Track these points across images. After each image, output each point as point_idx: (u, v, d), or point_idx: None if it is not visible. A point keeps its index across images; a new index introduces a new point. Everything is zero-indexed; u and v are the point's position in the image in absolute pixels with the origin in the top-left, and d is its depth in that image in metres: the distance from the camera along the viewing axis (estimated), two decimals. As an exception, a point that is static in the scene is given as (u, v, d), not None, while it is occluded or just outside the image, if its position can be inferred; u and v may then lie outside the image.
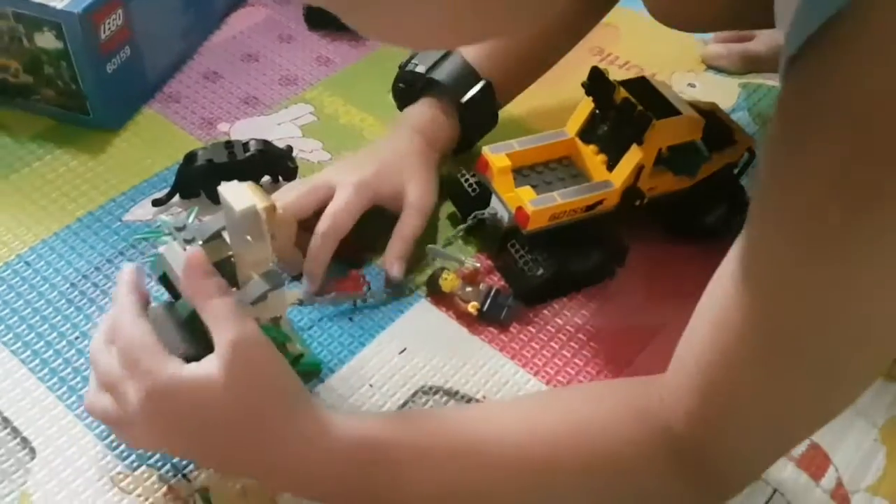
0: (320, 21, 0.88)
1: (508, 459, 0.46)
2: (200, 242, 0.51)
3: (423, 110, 0.69)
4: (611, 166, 0.63)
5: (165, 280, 0.52)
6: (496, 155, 0.63)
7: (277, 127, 0.77)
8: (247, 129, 0.76)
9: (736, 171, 0.69)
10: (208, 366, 0.45)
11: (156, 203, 0.67)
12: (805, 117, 0.38)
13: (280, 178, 0.69)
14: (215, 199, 0.68)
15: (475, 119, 0.70)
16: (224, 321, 0.45)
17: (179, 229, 0.52)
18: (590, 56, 0.88)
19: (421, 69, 0.69)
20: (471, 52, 0.70)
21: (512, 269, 0.63)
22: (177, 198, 0.68)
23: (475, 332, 0.61)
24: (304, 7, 0.89)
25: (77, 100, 0.72)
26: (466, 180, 0.68)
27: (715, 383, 0.44)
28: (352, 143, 0.76)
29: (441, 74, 0.68)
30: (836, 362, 0.41)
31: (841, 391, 0.44)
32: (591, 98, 0.64)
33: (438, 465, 0.46)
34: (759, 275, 0.41)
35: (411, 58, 0.71)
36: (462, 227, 0.64)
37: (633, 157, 0.61)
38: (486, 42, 0.68)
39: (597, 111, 0.64)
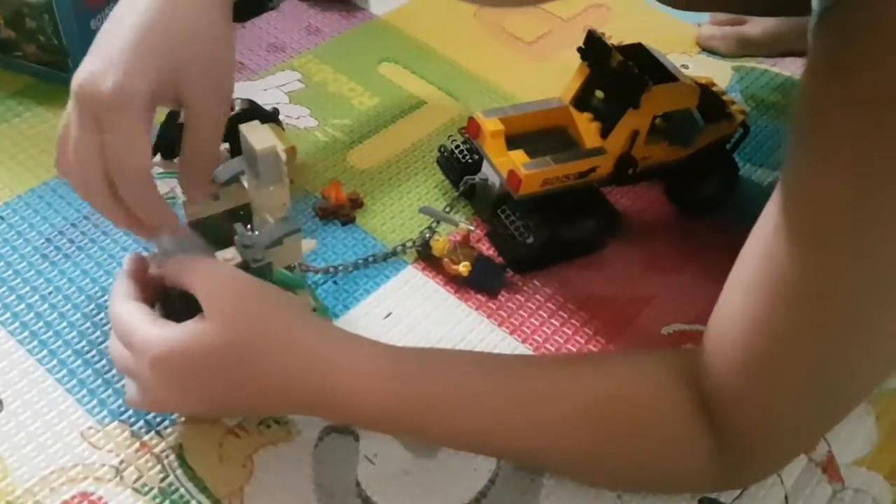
0: (311, -8, 0.86)
1: (550, 410, 0.45)
2: (220, 182, 0.50)
3: None
4: (605, 133, 0.61)
5: None
6: (489, 119, 0.61)
7: (263, 92, 0.75)
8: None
9: (728, 145, 0.68)
10: (195, 320, 0.44)
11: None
12: (846, 59, 0.36)
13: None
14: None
15: None
16: (195, 271, 0.45)
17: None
18: (581, 35, 0.87)
19: None
20: None
21: (502, 235, 0.62)
22: (157, 157, 0.66)
23: (463, 299, 0.60)
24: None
25: (58, 56, 0.70)
26: (457, 146, 0.66)
27: (756, 355, 0.42)
28: (340, 111, 0.74)
29: None
30: (883, 321, 0.39)
31: (887, 351, 0.41)
32: (586, 64, 0.62)
33: (476, 401, 0.45)
34: (794, 234, 0.39)
35: None
36: (456, 194, 0.63)
37: (628, 122, 0.60)
38: None
39: (592, 77, 0.63)
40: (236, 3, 0.48)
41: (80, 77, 0.43)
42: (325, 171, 0.68)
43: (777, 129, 0.78)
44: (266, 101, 0.73)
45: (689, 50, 0.87)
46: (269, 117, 0.67)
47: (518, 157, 0.59)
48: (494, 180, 0.62)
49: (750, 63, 0.86)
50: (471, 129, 0.63)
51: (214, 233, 0.52)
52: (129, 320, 0.45)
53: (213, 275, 0.45)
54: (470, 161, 0.66)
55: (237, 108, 0.65)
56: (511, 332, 0.58)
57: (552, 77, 0.81)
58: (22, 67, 0.72)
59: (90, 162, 0.43)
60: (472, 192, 0.64)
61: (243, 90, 0.75)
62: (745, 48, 0.86)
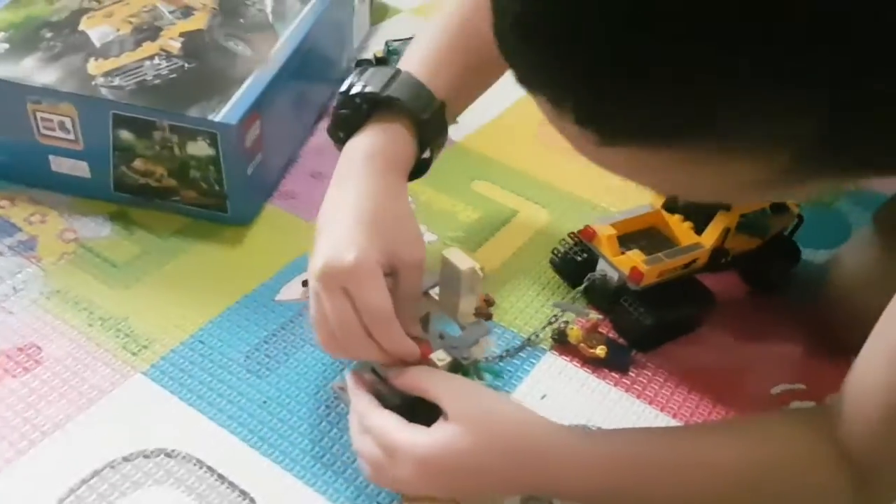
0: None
1: (730, 476, 0.56)
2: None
3: (379, 132, 0.63)
4: (698, 231, 0.75)
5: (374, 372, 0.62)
6: (603, 226, 0.74)
7: (384, 215, 0.87)
8: (359, 218, 0.86)
9: (787, 232, 0.82)
10: (445, 424, 0.54)
11: (305, 283, 0.76)
12: None
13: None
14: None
15: (434, 138, 0.67)
16: (437, 381, 0.56)
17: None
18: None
19: (372, 88, 0.63)
20: (420, 70, 0.65)
21: (626, 320, 0.74)
22: (318, 279, 0.77)
23: (600, 377, 0.71)
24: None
25: (217, 199, 0.81)
26: (570, 248, 0.79)
27: (890, 412, 0.52)
28: (451, 225, 0.86)
29: (397, 92, 0.63)
30: None
31: None
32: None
33: (680, 481, 0.56)
34: None
35: (351, 85, 0.64)
36: (579, 288, 0.75)
37: (720, 221, 0.73)
38: (434, 56, 0.67)
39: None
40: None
41: (320, 262, 0.56)
42: (454, 279, 0.80)
43: (825, 216, 0.92)
44: (389, 222, 0.86)
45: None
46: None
47: (637, 256, 0.71)
48: (612, 275, 0.74)
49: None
50: (586, 235, 0.75)
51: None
52: (388, 426, 0.55)
53: (454, 384, 0.56)
54: (581, 259, 0.78)
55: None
56: (649, 403, 0.69)
57: (614, 182, 0.94)
58: (180, 209, 0.83)
59: (351, 322, 0.56)
60: (590, 286, 0.76)
61: (368, 214, 0.87)
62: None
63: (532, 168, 0.96)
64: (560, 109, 0.37)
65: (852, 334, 0.56)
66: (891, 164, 0.38)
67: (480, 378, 0.64)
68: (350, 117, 0.64)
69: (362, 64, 1.04)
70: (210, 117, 0.76)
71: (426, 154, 0.68)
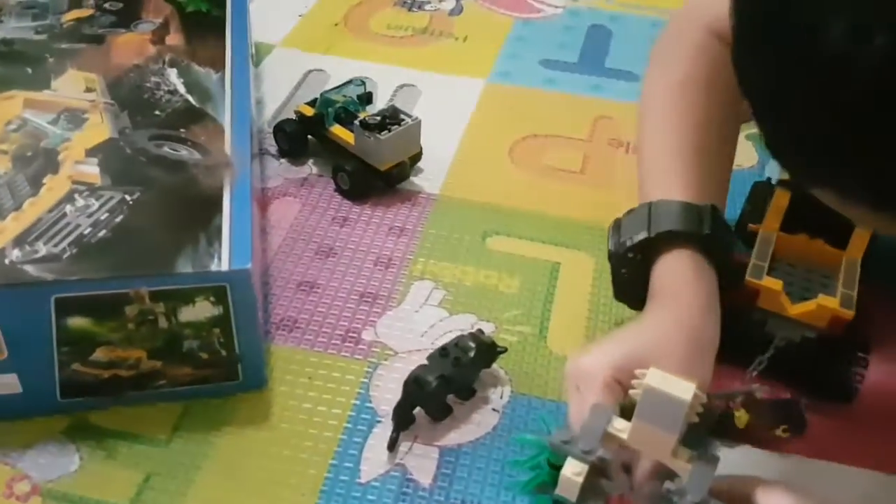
0: (361, 192, 0.80)
1: None
2: (601, 450, 0.48)
3: (675, 269, 0.57)
4: (835, 244, 0.65)
5: None
6: (767, 279, 0.62)
7: (416, 315, 0.68)
8: (393, 330, 0.67)
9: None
10: None
11: (391, 447, 0.57)
12: None
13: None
14: (438, 415, 0.59)
15: (724, 242, 0.60)
16: None
17: (566, 442, 0.48)
18: (608, 148, 0.90)
19: (641, 236, 0.58)
20: (671, 187, 0.60)
21: (831, 379, 0.62)
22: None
23: (788, 452, 0.59)
24: (336, 183, 0.80)
25: (223, 367, 0.58)
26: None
27: None
28: (498, 304, 0.70)
29: (666, 225, 0.57)
30: None
31: None
32: (785, 191, 0.66)
33: None
34: None
35: (617, 245, 0.60)
36: (762, 359, 0.60)
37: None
38: (673, 165, 0.62)
39: (796, 200, 0.66)
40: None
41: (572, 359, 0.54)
42: (545, 373, 0.64)
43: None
44: (431, 322, 0.68)
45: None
46: (493, 342, 0.62)
47: (829, 302, 0.60)
48: (791, 332, 0.61)
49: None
50: (748, 295, 0.62)
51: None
52: None
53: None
54: (746, 329, 0.62)
55: (473, 347, 0.60)
56: (852, 463, 0.59)
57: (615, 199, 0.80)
58: (166, 395, 0.59)
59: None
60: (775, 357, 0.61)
61: (401, 319, 0.68)
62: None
63: (534, 202, 0.80)
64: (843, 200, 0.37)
65: None
66: None
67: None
68: (633, 274, 0.60)
69: (283, 127, 0.83)
70: (214, 268, 0.53)
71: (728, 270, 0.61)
